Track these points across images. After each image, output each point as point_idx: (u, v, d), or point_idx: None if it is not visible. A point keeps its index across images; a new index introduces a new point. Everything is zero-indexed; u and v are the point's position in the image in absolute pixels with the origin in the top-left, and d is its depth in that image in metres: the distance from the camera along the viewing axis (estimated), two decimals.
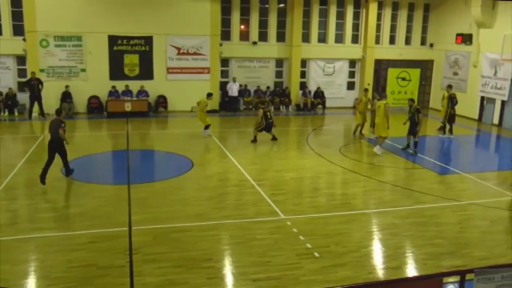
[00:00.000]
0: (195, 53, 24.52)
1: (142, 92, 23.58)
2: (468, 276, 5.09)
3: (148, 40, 23.80)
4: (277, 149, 17.86)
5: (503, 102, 23.56)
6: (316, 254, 9.05)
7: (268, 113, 18.29)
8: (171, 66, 24.35)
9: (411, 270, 8.83)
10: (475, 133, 22.86)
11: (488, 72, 24.31)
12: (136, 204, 11.29)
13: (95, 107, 23.36)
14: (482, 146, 19.76)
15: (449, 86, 21.41)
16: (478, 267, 5.05)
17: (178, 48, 24.28)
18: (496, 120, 23.89)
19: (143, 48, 23.84)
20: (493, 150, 19.48)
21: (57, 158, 12.80)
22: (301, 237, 9.76)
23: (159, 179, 13.66)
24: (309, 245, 9.41)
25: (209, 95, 19.56)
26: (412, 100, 18.38)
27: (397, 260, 9.16)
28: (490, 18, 24.00)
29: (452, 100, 20.37)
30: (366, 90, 20.08)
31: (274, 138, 18.49)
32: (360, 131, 19.78)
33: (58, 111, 13.49)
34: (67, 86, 22.73)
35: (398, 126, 17.90)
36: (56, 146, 12.86)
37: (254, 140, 18.12)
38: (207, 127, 18.86)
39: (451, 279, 7.26)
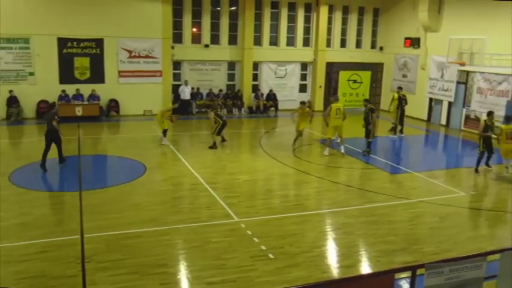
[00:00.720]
0: (146, 56, 24.31)
1: (93, 96, 23.19)
2: (419, 271, 5.27)
3: (99, 43, 23.42)
4: (230, 151, 17.94)
5: (450, 103, 24.49)
6: (271, 256, 9.16)
7: (219, 112, 18.33)
8: (122, 69, 24.04)
9: (364, 268, 9.07)
10: (424, 133, 23.65)
11: (436, 75, 25.19)
12: (88, 211, 11.12)
13: (44, 111, 22.72)
14: (431, 145, 20.46)
15: (400, 88, 22.17)
16: (428, 262, 5.24)
17: (130, 51, 24.01)
18: (443, 121, 24.80)
19: (94, 51, 23.45)
20: (441, 150, 20.19)
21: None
22: (256, 239, 9.87)
23: (111, 185, 13.48)
24: (263, 247, 9.52)
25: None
26: (367, 100, 19.01)
27: (350, 258, 9.39)
28: (436, 22, 24.89)
29: (401, 101, 21.09)
30: (303, 103, 19.40)
31: (223, 140, 18.44)
32: (294, 141, 19.03)
33: (52, 105, 16.82)
34: (11, 91, 22.02)
35: (352, 127, 18.26)
36: (52, 136, 14.40)
37: (213, 146, 17.77)
38: (165, 132, 18.27)
39: (403, 274, 7.50)
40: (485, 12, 21.92)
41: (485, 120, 16.24)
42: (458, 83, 23.89)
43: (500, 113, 20.58)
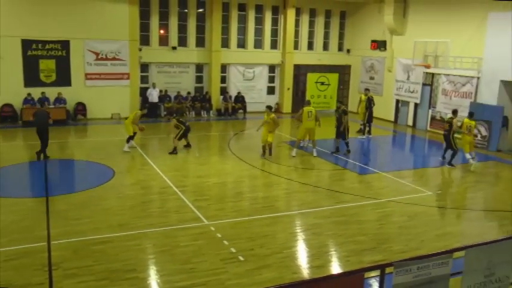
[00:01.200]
0: (114, 58, 24.02)
1: (59, 99, 22.77)
2: (388, 270, 5.36)
3: (64, 44, 23.00)
4: (199, 154, 17.90)
5: (416, 105, 24.99)
6: (241, 258, 9.18)
7: (181, 119, 18.08)
8: (89, 72, 23.67)
9: (334, 268, 9.18)
10: (392, 134, 24.05)
11: (402, 77, 25.66)
12: (55, 217, 10.93)
13: (8, 115, 22.29)
14: (398, 146, 20.80)
15: (367, 90, 22.51)
16: (397, 261, 5.33)
17: (97, 53, 23.67)
18: (410, 122, 25.28)
19: (60, 53, 23.02)
20: (408, 150, 20.54)
21: None
22: (225, 242, 9.88)
23: (79, 190, 13.24)
24: (233, 249, 9.54)
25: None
26: (340, 102, 19.33)
27: (320, 258, 9.49)
28: (402, 26, 25.38)
29: (370, 102, 21.44)
30: (270, 107, 19.31)
31: (188, 145, 18.23)
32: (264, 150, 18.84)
33: (42, 103, 17.94)
34: None
35: (320, 129, 18.38)
36: (43, 133, 15.87)
37: (174, 151, 17.39)
38: (130, 138, 17.67)
39: (372, 273, 7.62)
40: (448, 16, 22.47)
41: (452, 118, 16.81)
42: (423, 84, 24.40)
43: (464, 113, 21.05)
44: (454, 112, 17.25)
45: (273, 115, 17.58)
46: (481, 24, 20.80)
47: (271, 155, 17.56)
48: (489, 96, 20.52)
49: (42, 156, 15.86)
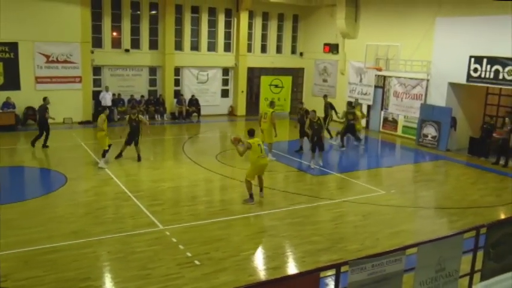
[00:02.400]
0: (65, 61, 23.39)
1: (8, 104, 21.99)
2: (343, 269, 5.41)
3: (13, 47, 22.17)
4: (154, 158, 17.70)
5: (369, 107, 25.47)
6: (197, 262, 9.13)
7: (133, 116, 16.88)
8: (39, 75, 22.95)
9: (291, 269, 9.24)
10: (346, 136, 24.31)
11: (355, 79, 26.13)
12: (4, 227, 10.47)
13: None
14: (352, 147, 21.08)
15: (325, 96, 22.67)
16: (352, 259, 5.39)
17: (47, 56, 23.00)
18: (363, 123, 25.64)
19: (7, 55, 22.19)
20: (362, 151, 20.86)
21: None
22: (181, 247, 9.79)
23: (30, 197, 12.79)
24: (189, 254, 9.46)
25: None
26: (301, 102, 19.66)
27: (276, 260, 9.53)
28: (354, 29, 25.87)
29: (328, 108, 21.60)
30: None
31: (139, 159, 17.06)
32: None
33: (44, 98, 18.52)
34: None
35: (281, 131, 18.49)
36: (43, 126, 18.07)
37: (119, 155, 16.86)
38: (106, 152, 16.17)
39: (328, 273, 7.71)
40: (398, 21, 23.10)
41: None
42: (376, 87, 24.94)
43: (415, 115, 21.66)
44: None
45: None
46: (429, 29, 21.44)
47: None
48: (438, 98, 21.14)
49: (44, 145, 18.08)
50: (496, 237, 6.97)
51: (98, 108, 23.52)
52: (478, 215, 12.49)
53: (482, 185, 15.88)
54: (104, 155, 16.08)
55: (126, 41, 25.25)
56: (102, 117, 16.26)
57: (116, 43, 25.20)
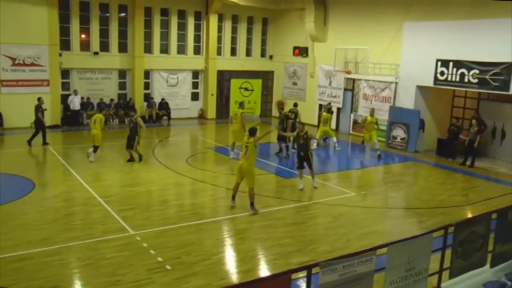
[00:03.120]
0: (32, 64, 22.90)
1: None
2: (314, 270, 5.43)
3: None
4: (124, 163, 17.49)
5: (338, 109, 25.68)
6: (168, 267, 9.05)
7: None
8: (5, 78, 22.39)
9: (262, 271, 9.24)
10: (315, 138, 24.44)
11: (324, 82, 26.34)
12: None
13: None
14: (322, 149, 21.22)
15: (295, 105, 22.22)
16: (323, 261, 5.42)
17: (13, 59, 22.45)
18: (333, 126, 25.86)
19: None
20: (332, 153, 21.02)
21: None
22: (152, 252, 9.69)
23: None
24: (160, 259, 9.38)
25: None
26: (281, 106, 19.83)
27: (248, 263, 9.53)
28: (323, 33, 26.09)
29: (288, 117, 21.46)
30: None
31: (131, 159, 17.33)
32: None
33: (38, 98, 19.34)
34: None
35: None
36: (38, 124, 18.92)
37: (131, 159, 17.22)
38: (96, 148, 17.16)
39: (300, 274, 7.72)
40: (367, 25, 23.37)
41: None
42: (345, 90, 25.18)
43: (384, 117, 21.92)
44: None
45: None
46: (397, 33, 21.76)
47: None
48: (407, 100, 21.44)
49: (43, 142, 19.02)
50: (463, 235, 7.11)
51: (67, 112, 23.18)
52: (447, 215, 12.71)
53: (450, 185, 16.19)
54: (95, 151, 17.00)
55: (95, 44, 24.91)
56: (103, 119, 17.65)
57: (85, 46, 24.83)
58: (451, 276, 7.12)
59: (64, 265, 9.12)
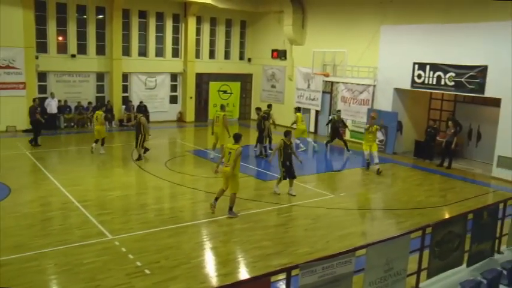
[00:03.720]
0: (7, 67, 22.50)
1: None
2: (294, 272, 5.44)
3: None
4: (102, 167, 17.34)
5: (317, 112, 25.83)
6: (147, 271, 8.98)
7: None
8: None
9: (242, 274, 9.23)
10: (294, 140, 24.51)
11: (303, 85, 26.46)
12: None
13: None
14: (300, 152, 21.25)
15: (269, 106, 22.25)
16: (302, 263, 5.44)
17: None
18: (312, 128, 26.04)
19: None
20: (311, 155, 21.10)
21: None
22: (131, 256, 9.61)
23: None
24: (138, 263, 9.29)
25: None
26: (258, 109, 19.93)
27: (227, 266, 9.51)
28: (301, 36, 26.23)
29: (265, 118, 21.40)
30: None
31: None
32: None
33: (34, 99, 20.57)
34: None
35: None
36: (37, 125, 19.70)
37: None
38: (103, 141, 19.01)
39: (279, 276, 7.73)
40: (344, 28, 23.59)
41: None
42: (323, 92, 25.33)
43: (363, 119, 22.08)
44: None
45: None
46: (374, 36, 21.99)
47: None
48: (385, 102, 21.65)
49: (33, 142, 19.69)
50: (441, 236, 7.20)
51: (44, 116, 22.81)
52: (424, 216, 12.86)
53: (427, 186, 16.38)
54: (102, 143, 18.88)
55: (72, 46, 24.61)
56: (103, 114, 19.21)
57: (62, 48, 24.51)
58: (429, 276, 7.21)
59: (41, 271, 8.98)
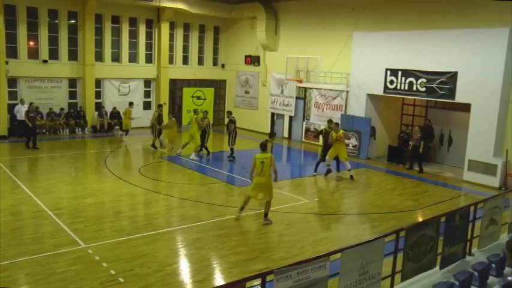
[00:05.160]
0: None
1: None
2: (269, 278, 5.44)
3: None
4: (75, 174, 17.11)
5: (290, 117, 25.95)
6: (121, 279, 8.87)
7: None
8: None
9: (217, 280, 9.19)
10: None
11: (276, 91, 26.56)
12: None
13: None
14: (275, 157, 21.28)
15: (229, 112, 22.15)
16: (277, 268, 5.44)
17: None
18: (286, 134, 26.15)
19: None
20: (285, 161, 21.17)
21: None
22: (104, 264, 9.48)
23: None
24: (112, 271, 9.17)
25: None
26: (229, 112, 20.46)
27: (202, 272, 9.45)
28: (274, 42, 26.37)
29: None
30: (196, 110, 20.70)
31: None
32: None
33: (30, 103, 21.41)
34: None
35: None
36: (29, 129, 20.34)
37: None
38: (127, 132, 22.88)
39: (255, 282, 7.72)
40: (317, 34, 23.81)
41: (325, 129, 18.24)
42: (297, 98, 25.47)
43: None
44: (329, 121, 18.40)
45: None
46: (347, 43, 22.22)
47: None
48: (358, 108, 21.88)
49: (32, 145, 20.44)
50: (414, 239, 7.29)
51: (14, 122, 22.44)
52: (398, 219, 13.00)
53: (401, 190, 16.58)
54: (126, 134, 23.63)
55: (44, 51, 24.22)
56: (131, 111, 23.48)
57: (33, 53, 24.07)
58: (403, 278, 7.28)
59: (12, 282, 8.76)
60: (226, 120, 21.13)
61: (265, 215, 12.42)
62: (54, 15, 24.46)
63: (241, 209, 12.58)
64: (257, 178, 12.16)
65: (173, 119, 21.44)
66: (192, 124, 19.96)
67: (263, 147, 12.41)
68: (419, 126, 19.96)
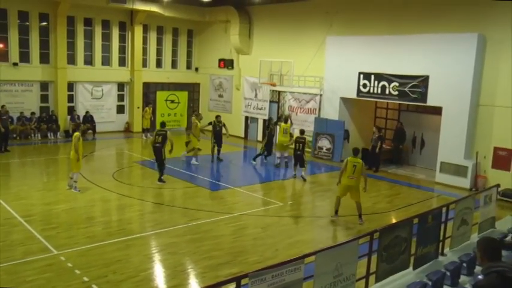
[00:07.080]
0: None
1: None
2: (244, 281, 5.42)
3: None
4: (47, 179, 16.85)
5: (264, 121, 25.91)
6: (94, 286, 8.74)
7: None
8: None
9: (191, 285, 9.16)
10: (242, 150, 24.66)
11: (250, 95, 26.58)
12: None
13: None
14: (249, 161, 21.32)
15: (196, 113, 22.00)
16: (252, 271, 5.43)
17: None
18: (260, 137, 26.12)
19: None
20: (259, 164, 21.14)
21: None
22: (77, 271, 9.32)
23: None
24: (85, 278, 9.03)
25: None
26: (218, 116, 20.51)
27: (176, 277, 9.39)
28: (247, 45, 26.40)
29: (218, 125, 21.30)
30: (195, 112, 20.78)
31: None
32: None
33: (2, 106, 21.36)
34: None
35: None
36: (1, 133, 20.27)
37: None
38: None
39: (230, 286, 7.68)
40: (291, 38, 23.94)
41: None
42: (271, 102, 25.52)
43: (310, 128, 22.34)
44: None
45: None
46: (320, 47, 22.37)
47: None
48: (331, 111, 22.01)
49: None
50: (388, 240, 7.36)
51: None
52: (372, 221, 13.10)
53: (374, 192, 16.69)
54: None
55: (14, 54, 23.74)
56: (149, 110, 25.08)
57: (3, 56, 23.55)
58: (377, 279, 7.34)
59: None
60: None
61: (360, 216, 13.00)
62: (24, 17, 24.00)
63: (336, 212, 13.14)
64: (348, 180, 12.85)
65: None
66: (193, 127, 20.00)
67: (356, 151, 13.21)
68: (376, 126, 20.41)
